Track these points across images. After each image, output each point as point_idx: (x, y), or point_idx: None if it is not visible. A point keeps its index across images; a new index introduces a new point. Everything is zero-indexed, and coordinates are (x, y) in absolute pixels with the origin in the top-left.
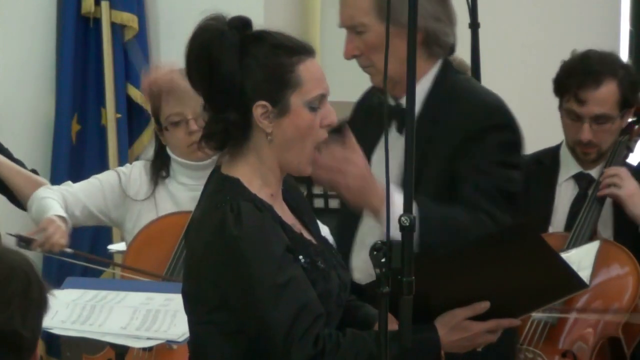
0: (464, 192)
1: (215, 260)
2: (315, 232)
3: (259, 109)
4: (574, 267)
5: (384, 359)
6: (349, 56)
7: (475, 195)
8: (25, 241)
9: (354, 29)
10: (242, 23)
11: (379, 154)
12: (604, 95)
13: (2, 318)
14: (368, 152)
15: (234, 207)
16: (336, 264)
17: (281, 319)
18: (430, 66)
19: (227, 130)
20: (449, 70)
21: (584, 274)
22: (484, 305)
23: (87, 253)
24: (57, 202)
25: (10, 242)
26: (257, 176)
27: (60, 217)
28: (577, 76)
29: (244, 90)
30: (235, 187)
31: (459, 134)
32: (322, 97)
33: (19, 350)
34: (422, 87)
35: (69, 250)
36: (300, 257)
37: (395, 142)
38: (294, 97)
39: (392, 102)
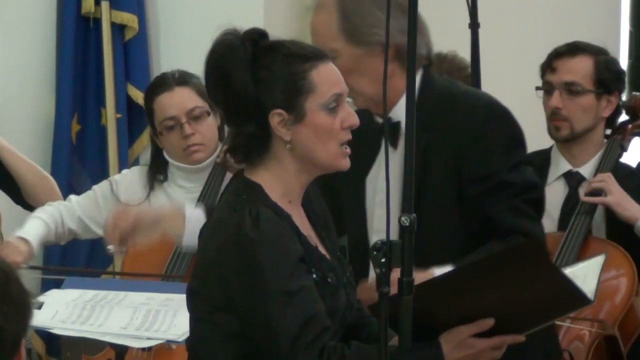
0: (492, 216)
1: (228, 261)
2: (331, 247)
3: (276, 118)
4: (579, 281)
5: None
6: None
7: (505, 217)
8: None
9: None
10: (256, 35)
11: (373, 170)
12: (577, 65)
13: None
14: (363, 174)
15: (253, 212)
16: (346, 283)
17: (289, 326)
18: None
19: (248, 143)
20: (431, 78)
21: (589, 288)
22: (488, 322)
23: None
24: (42, 221)
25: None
26: (279, 183)
27: (21, 238)
28: (556, 49)
29: (260, 102)
30: (256, 192)
31: (460, 135)
32: (338, 97)
33: (1, 345)
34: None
35: (23, 266)
36: (313, 269)
37: (391, 156)
38: (308, 102)
39: (379, 120)
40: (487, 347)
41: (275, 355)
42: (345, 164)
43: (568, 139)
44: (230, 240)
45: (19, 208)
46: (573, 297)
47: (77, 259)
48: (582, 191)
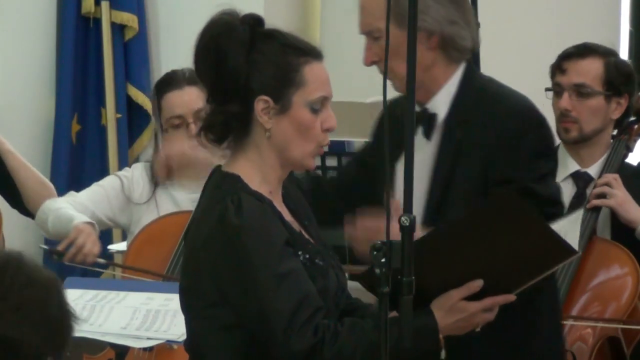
0: None
1: (216, 251)
2: (315, 235)
3: (261, 104)
4: (561, 235)
5: (384, 358)
6: (368, 63)
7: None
8: (57, 254)
9: (371, 35)
10: (255, 20)
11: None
12: (586, 66)
13: (7, 322)
14: (394, 160)
15: (235, 200)
16: (334, 265)
17: (281, 308)
18: (453, 70)
19: (227, 123)
20: (474, 73)
21: (572, 242)
22: (477, 284)
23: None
24: (73, 210)
25: (39, 255)
26: (257, 173)
27: (88, 223)
28: (565, 51)
29: (249, 85)
30: (235, 182)
31: (494, 134)
32: (324, 100)
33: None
34: (448, 91)
35: (101, 260)
36: (300, 252)
37: (424, 147)
38: (296, 96)
39: (417, 108)
40: (479, 309)
41: (270, 338)
42: (312, 164)
43: (577, 141)
44: (215, 230)
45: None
46: (558, 247)
47: None
48: (589, 191)
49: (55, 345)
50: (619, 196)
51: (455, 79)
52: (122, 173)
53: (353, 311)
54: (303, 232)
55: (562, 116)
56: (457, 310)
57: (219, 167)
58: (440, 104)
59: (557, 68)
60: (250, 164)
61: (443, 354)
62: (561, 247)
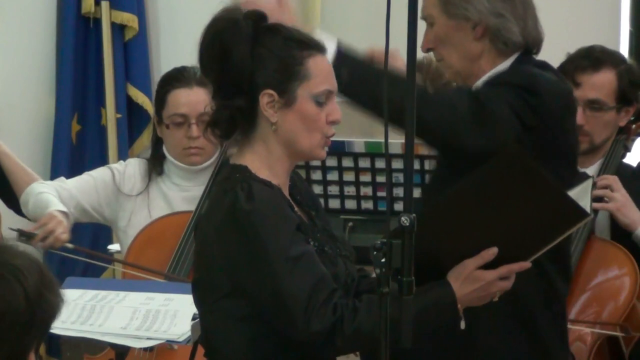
0: None
1: (228, 239)
2: (321, 226)
3: (265, 98)
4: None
5: (384, 358)
6: (424, 49)
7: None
8: (25, 235)
9: (426, 20)
10: (258, 15)
11: None
12: (601, 81)
13: None
14: None
15: (244, 187)
16: (343, 254)
17: (299, 291)
18: (500, 61)
19: (233, 117)
20: (523, 62)
21: (584, 203)
22: (492, 252)
23: (88, 249)
24: (55, 196)
25: (10, 236)
26: (264, 165)
27: (61, 212)
28: (577, 60)
29: (253, 79)
30: (243, 172)
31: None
32: (329, 93)
33: None
34: (488, 78)
35: (70, 245)
36: (310, 239)
37: None
38: (300, 89)
39: None
40: (495, 278)
41: (289, 322)
42: (322, 153)
43: (587, 152)
44: (226, 218)
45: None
46: (569, 210)
47: (80, 238)
48: None
49: (33, 337)
50: (619, 200)
51: (501, 68)
52: (114, 165)
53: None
54: (311, 223)
55: None
56: (473, 279)
57: (227, 160)
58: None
59: (571, 81)
60: (257, 157)
61: (462, 324)
62: (574, 209)
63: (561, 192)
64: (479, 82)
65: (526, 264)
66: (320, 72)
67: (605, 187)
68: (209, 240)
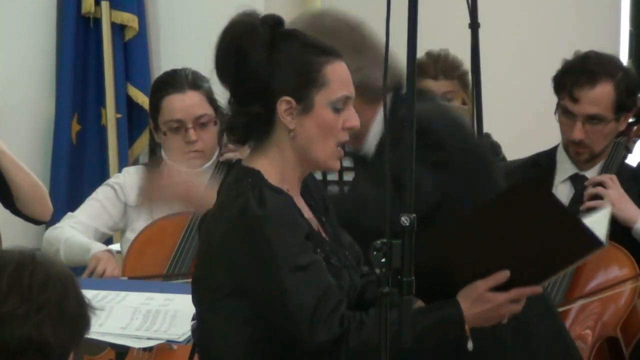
0: None
1: (236, 243)
2: (332, 233)
3: (283, 105)
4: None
5: (384, 358)
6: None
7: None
8: None
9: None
10: (275, 21)
11: None
12: (599, 95)
13: (32, 323)
14: None
15: (256, 193)
16: (349, 265)
17: (306, 300)
18: (376, 110)
19: (250, 124)
20: (396, 104)
21: (601, 232)
22: (504, 275)
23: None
24: (81, 236)
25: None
26: (277, 171)
27: (105, 250)
28: (573, 74)
29: (270, 85)
30: (256, 177)
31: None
32: (347, 99)
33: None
34: (376, 130)
35: (124, 278)
36: (318, 250)
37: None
38: (318, 96)
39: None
40: (506, 300)
41: (295, 332)
42: (337, 165)
43: (587, 161)
44: (235, 222)
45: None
46: (584, 239)
47: None
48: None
49: (76, 339)
50: (613, 195)
51: (379, 117)
52: (113, 181)
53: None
54: (321, 231)
55: (575, 144)
56: (483, 300)
57: (239, 161)
58: (372, 145)
59: (568, 95)
60: (270, 162)
61: (470, 344)
62: (588, 239)
63: (577, 222)
64: (369, 143)
65: (537, 289)
66: (338, 78)
67: (599, 183)
68: (214, 241)
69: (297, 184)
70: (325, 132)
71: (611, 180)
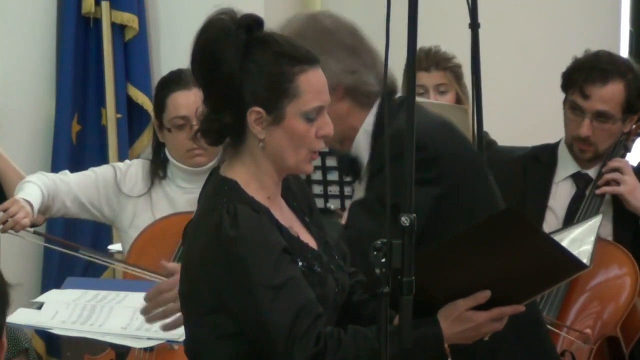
0: None
1: (212, 262)
2: (317, 232)
3: (253, 115)
4: (576, 244)
5: (384, 358)
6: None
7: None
8: None
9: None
10: (251, 22)
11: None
12: (610, 93)
13: None
14: None
15: (230, 210)
16: (333, 268)
17: (281, 320)
18: (366, 114)
19: (222, 131)
20: (389, 110)
21: (585, 252)
22: (485, 295)
23: (59, 238)
24: (38, 187)
25: None
26: (253, 179)
27: (26, 200)
28: (585, 71)
29: (241, 94)
30: (232, 189)
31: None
32: (320, 109)
33: None
34: (366, 131)
35: (30, 229)
36: (298, 259)
37: (358, 191)
38: (290, 107)
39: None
40: (487, 319)
41: (272, 350)
42: (309, 168)
43: (591, 159)
44: (211, 241)
45: None
46: (567, 263)
47: (81, 238)
48: (588, 193)
49: (3, 315)
50: (630, 183)
51: (369, 119)
52: (118, 164)
53: (357, 306)
54: (301, 236)
55: (581, 140)
56: (463, 319)
57: (217, 169)
58: (360, 147)
59: (579, 92)
60: (246, 170)
61: None
62: (571, 263)
63: (559, 248)
64: (356, 146)
65: (519, 307)
66: (311, 88)
67: (616, 169)
68: (194, 257)
69: (276, 187)
70: (296, 142)
71: (626, 165)
